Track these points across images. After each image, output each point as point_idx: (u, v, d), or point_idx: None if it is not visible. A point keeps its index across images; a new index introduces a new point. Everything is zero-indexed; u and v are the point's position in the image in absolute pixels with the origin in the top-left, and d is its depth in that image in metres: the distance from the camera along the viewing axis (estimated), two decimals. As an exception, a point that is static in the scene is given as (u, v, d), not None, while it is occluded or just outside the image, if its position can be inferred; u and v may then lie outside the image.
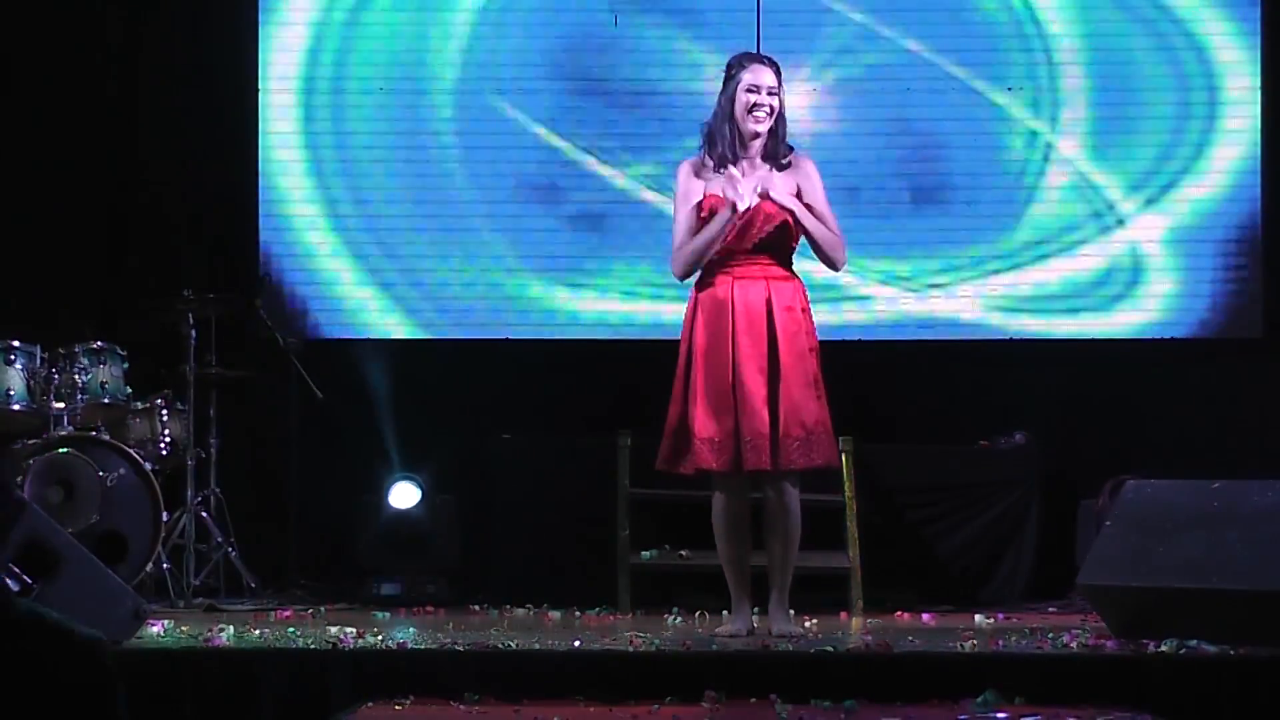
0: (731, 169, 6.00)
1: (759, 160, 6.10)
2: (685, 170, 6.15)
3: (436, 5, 8.73)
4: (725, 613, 6.56)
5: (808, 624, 6.61)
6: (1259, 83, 8.62)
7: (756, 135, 6.08)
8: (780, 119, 6.12)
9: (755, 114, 6.06)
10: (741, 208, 5.94)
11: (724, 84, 6.13)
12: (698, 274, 6.12)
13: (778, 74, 6.13)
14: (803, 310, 6.10)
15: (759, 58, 6.21)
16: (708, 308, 6.05)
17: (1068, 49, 8.65)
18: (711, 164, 6.09)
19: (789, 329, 6.04)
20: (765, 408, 5.97)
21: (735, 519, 6.15)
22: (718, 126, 6.10)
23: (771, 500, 6.12)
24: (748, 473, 6.04)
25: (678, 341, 6.17)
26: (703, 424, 6.00)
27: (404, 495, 8.14)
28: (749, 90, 6.06)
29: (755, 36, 8.51)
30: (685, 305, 6.19)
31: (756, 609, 6.31)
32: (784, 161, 6.11)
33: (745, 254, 6.06)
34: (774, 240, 6.07)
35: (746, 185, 5.96)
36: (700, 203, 6.05)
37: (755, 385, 5.99)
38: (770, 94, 6.08)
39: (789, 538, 6.16)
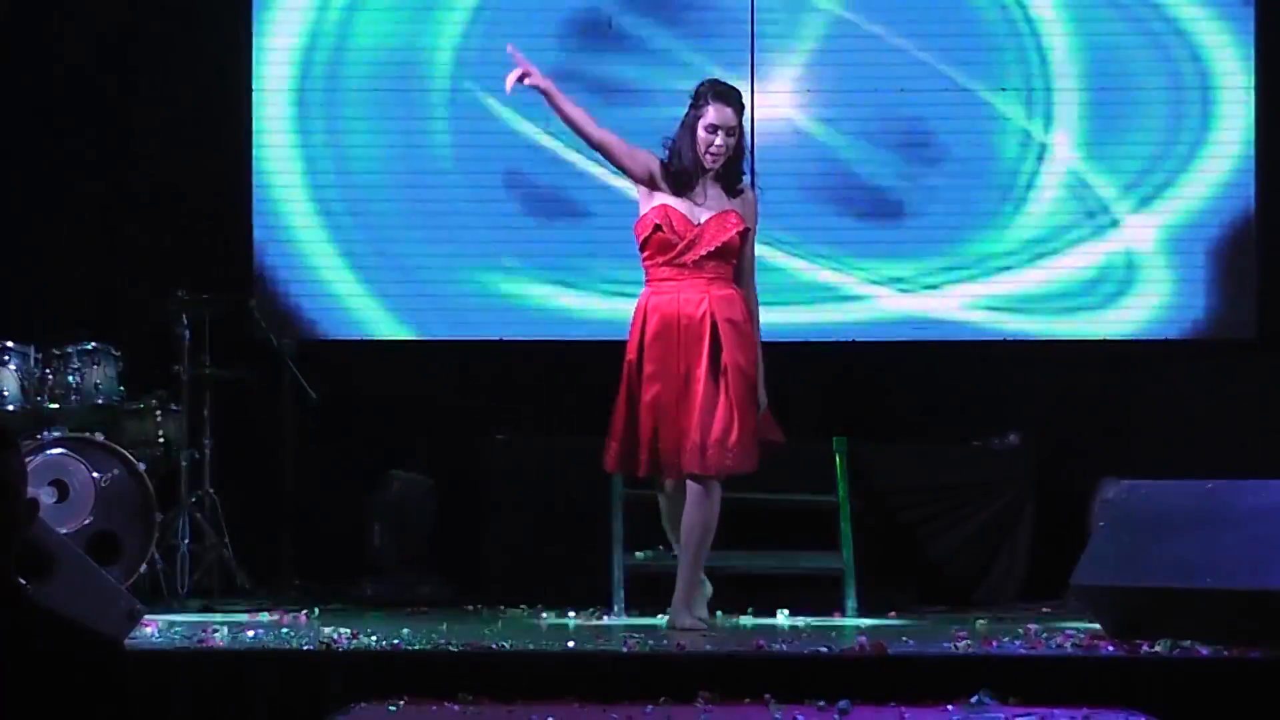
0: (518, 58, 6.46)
1: (711, 182, 6.41)
2: (655, 163, 6.42)
3: (430, 4, 8.73)
4: (722, 613, 6.62)
5: (801, 624, 6.63)
6: (1253, 83, 8.62)
7: (708, 169, 6.39)
8: (738, 150, 6.41)
9: (711, 151, 6.35)
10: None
11: (689, 107, 6.42)
12: (649, 283, 6.47)
13: (740, 110, 6.41)
14: (744, 322, 6.39)
15: (725, 95, 6.41)
16: (655, 322, 6.38)
17: (1061, 49, 8.65)
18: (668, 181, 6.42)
19: (732, 342, 6.31)
20: (708, 416, 6.28)
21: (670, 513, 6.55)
22: (678, 147, 6.40)
23: (686, 502, 6.43)
24: (681, 477, 6.38)
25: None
26: (658, 434, 6.36)
27: (412, 488, 8.21)
28: (708, 130, 6.34)
29: (749, 37, 8.52)
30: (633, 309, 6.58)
31: (750, 609, 6.36)
32: (738, 188, 6.43)
33: (690, 268, 6.36)
34: (717, 255, 6.37)
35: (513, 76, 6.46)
36: (654, 209, 6.38)
37: (693, 398, 6.30)
38: (729, 134, 6.36)
39: (691, 536, 6.45)
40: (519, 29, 8.69)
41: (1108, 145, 8.65)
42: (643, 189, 6.44)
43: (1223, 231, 8.62)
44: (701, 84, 6.46)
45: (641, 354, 6.39)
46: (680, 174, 6.36)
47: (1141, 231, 8.65)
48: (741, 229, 6.37)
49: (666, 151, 6.44)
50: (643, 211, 6.43)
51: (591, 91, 8.66)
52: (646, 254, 6.43)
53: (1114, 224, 8.65)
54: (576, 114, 6.46)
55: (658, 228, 6.34)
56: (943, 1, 8.67)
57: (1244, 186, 8.62)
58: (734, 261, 6.42)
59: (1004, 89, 8.65)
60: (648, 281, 6.46)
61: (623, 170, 6.51)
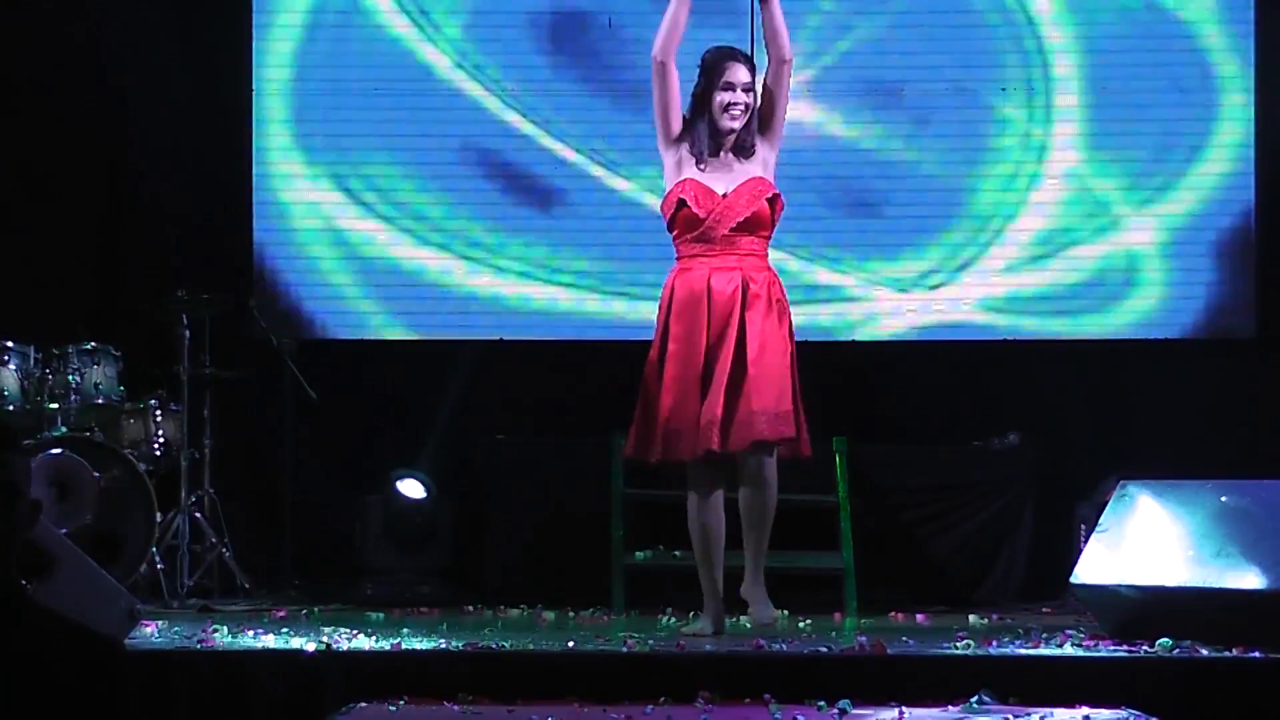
0: None
1: (730, 154, 6.19)
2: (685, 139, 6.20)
3: (430, 4, 8.72)
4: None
5: (801, 624, 6.62)
6: (1253, 83, 8.62)
7: (732, 132, 6.16)
8: (753, 114, 6.18)
9: (731, 112, 6.15)
10: None
11: (698, 79, 6.19)
12: (679, 261, 6.17)
13: (752, 69, 6.21)
14: (776, 300, 6.15)
15: (733, 53, 6.25)
16: (683, 297, 6.12)
17: (1062, 49, 8.65)
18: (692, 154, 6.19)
19: (759, 317, 6.08)
20: (723, 393, 6.01)
21: (710, 514, 6.18)
22: (692, 123, 6.17)
23: (747, 475, 6.13)
24: (705, 457, 6.05)
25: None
26: (673, 413, 6.06)
27: (413, 488, 8.20)
28: (724, 88, 6.14)
29: (749, 37, 8.52)
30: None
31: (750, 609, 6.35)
32: (752, 153, 6.20)
33: (721, 241, 6.12)
34: (749, 227, 6.13)
35: None
36: (677, 185, 6.14)
37: (720, 373, 6.03)
38: (746, 91, 6.16)
39: (764, 511, 6.16)
40: (519, 28, 8.71)
41: (1108, 145, 8.66)
42: (669, 163, 6.20)
43: (1223, 232, 8.63)
44: (706, 52, 6.25)
45: (666, 333, 6.13)
46: (700, 146, 6.15)
47: (1141, 232, 8.65)
48: (771, 194, 6.15)
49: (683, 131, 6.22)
50: (668, 188, 6.21)
51: (592, 94, 8.68)
52: (675, 232, 6.18)
53: (1114, 224, 8.66)
54: (675, 24, 6.17)
55: (682, 203, 6.11)
56: (944, 2, 8.67)
57: (1244, 188, 8.62)
58: (766, 235, 6.18)
59: (1004, 88, 8.66)
60: (677, 259, 6.20)
61: (660, 115, 6.18)
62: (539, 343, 8.66)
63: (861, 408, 8.43)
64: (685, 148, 6.18)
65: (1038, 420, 8.34)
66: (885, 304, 8.67)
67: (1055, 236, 8.66)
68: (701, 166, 6.16)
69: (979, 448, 8.32)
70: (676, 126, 6.18)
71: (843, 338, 8.59)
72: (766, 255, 6.21)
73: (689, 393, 6.06)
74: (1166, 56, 8.65)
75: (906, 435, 8.50)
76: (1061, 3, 8.66)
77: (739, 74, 6.16)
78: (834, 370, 8.56)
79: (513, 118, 8.70)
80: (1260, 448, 7.98)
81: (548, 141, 8.69)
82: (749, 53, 6.41)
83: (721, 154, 6.18)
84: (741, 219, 6.11)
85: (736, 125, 6.16)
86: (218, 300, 7.91)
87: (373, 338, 8.70)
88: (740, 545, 6.25)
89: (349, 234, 8.70)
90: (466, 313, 8.69)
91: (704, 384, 6.06)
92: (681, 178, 6.16)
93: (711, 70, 6.17)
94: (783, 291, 6.21)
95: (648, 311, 8.40)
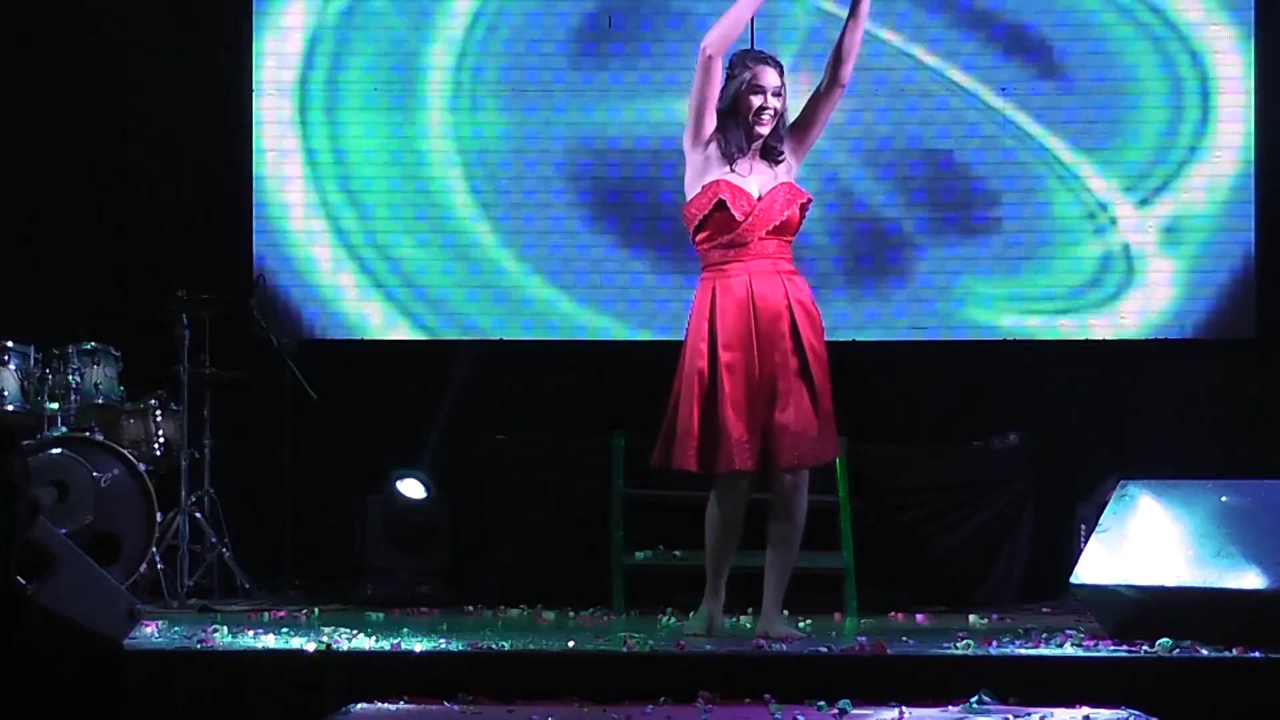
0: None
1: (756, 155, 6.08)
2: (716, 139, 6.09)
3: (430, 4, 8.73)
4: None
5: (801, 624, 6.62)
6: (1253, 84, 8.63)
7: (760, 137, 6.06)
8: (780, 119, 6.11)
9: (760, 116, 6.03)
10: None
11: (726, 82, 6.07)
12: (710, 268, 6.05)
13: (782, 73, 6.11)
14: (813, 303, 6.10)
15: (763, 57, 6.14)
16: (728, 305, 5.99)
17: (1062, 49, 8.66)
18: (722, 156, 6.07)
19: (807, 324, 6.02)
20: (800, 402, 5.96)
21: (736, 515, 6.11)
22: (722, 123, 6.05)
23: (785, 495, 6.07)
24: (784, 469, 5.99)
25: (672, 342, 6.14)
26: (735, 424, 5.94)
27: (413, 488, 8.20)
28: (754, 92, 6.03)
29: (749, 41, 8.52)
30: (693, 298, 6.11)
31: (751, 609, 6.33)
32: (779, 158, 6.10)
33: (757, 243, 6.01)
34: (779, 231, 6.04)
35: None
36: (708, 186, 6.01)
37: (787, 381, 5.96)
38: (775, 95, 6.05)
39: (796, 534, 6.13)
40: (518, 29, 8.71)
41: (1108, 145, 8.66)
42: (694, 161, 6.05)
43: (1222, 232, 8.63)
44: (734, 55, 6.11)
45: (714, 343, 5.97)
46: (732, 147, 6.02)
47: (1142, 232, 8.65)
48: (805, 200, 6.07)
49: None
50: (692, 192, 6.05)
51: (589, 93, 8.68)
52: (704, 234, 6.02)
53: (1114, 224, 8.66)
54: (736, 24, 6.08)
55: (720, 204, 5.96)
56: (944, 3, 8.67)
57: (1244, 189, 8.62)
58: (790, 239, 6.08)
59: (1004, 89, 8.66)
60: (707, 266, 6.04)
61: (696, 110, 6.03)
62: (539, 343, 8.66)
63: (861, 408, 8.42)
64: (715, 147, 6.05)
65: (1038, 420, 8.34)
66: (886, 304, 8.66)
67: (1055, 236, 8.66)
68: (733, 168, 6.04)
69: (979, 448, 8.32)
70: (710, 125, 6.05)
71: (842, 337, 8.58)
72: (792, 257, 6.13)
73: (751, 402, 5.96)
74: (1167, 56, 8.65)
75: (906, 435, 8.50)
76: (1061, 2, 8.67)
77: (770, 78, 6.05)
78: (834, 370, 8.56)
79: (512, 118, 8.70)
80: (1260, 448, 7.98)
81: (548, 143, 8.69)
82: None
83: (749, 157, 6.08)
84: (777, 223, 6.02)
85: (765, 131, 6.05)
86: (218, 300, 7.91)
87: (373, 338, 8.70)
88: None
89: (349, 234, 8.70)
90: (467, 313, 8.69)
91: (766, 395, 5.97)
92: (711, 178, 6.02)
93: (739, 72, 6.06)
94: (810, 291, 6.13)
95: (647, 312, 8.46)
